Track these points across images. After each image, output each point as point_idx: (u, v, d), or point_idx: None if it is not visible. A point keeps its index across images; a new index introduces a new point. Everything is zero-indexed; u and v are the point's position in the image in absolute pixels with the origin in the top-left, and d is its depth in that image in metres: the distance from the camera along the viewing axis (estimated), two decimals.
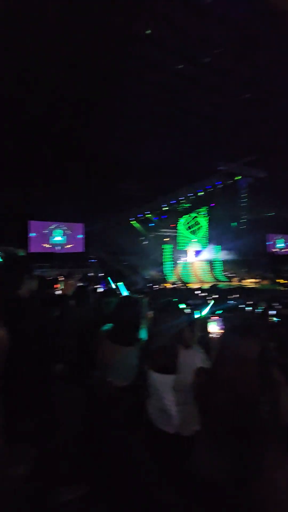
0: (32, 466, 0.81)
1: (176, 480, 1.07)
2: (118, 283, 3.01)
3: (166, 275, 18.82)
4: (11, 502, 0.64)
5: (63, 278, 7.50)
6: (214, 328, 1.42)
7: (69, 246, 19.02)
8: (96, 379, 1.75)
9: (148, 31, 9.78)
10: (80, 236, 19.39)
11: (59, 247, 18.67)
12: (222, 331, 1.34)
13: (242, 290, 12.25)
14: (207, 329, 1.39)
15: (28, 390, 1.17)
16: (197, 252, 20.84)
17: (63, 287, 2.13)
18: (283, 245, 24.91)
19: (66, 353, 1.91)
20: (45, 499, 0.99)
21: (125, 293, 2.82)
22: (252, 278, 18.43)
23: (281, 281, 16.64)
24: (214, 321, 1.42)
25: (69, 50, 10.12)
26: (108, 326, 1.88)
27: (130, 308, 1.82)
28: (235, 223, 21.40)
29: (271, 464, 0.83)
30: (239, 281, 18.06)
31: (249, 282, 17.49)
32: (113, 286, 3.82)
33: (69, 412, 1.41)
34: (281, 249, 24.66)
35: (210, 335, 1.40)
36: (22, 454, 0.81)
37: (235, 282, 17.64)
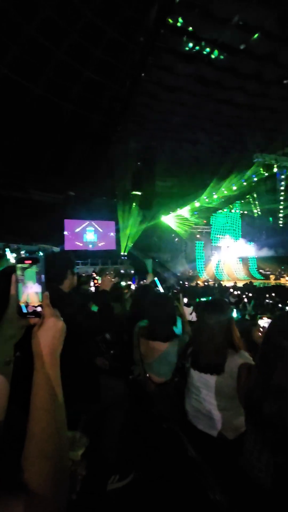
0: (85, 453, 0.85)
1: (221, 477, 1.05)
2: (155, 278, 3.00)
3: (198, 272, 18.50)
4: (71, 484, 0.68)
5: (95, 275, 7.72)
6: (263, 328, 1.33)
7: (101, 244, 19.49)
8: (135, 374, 1.77)
9: (181, 22, 9.59)
10: (112, 234, 19.75)
11: (91, 245, 19.22)
12: (266, 331, 1.26)
13: (280, 288, 11.61)
14: (255, 329, 1.32)
15: (73, 381, 1.22)
16: (230, 248, 20.16)
17: (100, 283, 2.19)
18: None
19: (106, 347, 1.97)
20: (96, 485, 1.03)
21: (160, 288, 2.81)
22: None
23: None
24: (264, 320, 1.34)
25: (101, 47, 10.31)
26: (144, 323, 1.89)
27: (164, 304, 1.80)
28: (272, 218, 20.26)
29: None
30: (277, 279, 17.12)
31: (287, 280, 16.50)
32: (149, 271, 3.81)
33: (113, 404, 1.44)
34: None
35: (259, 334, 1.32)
36: (74, 441, 0.85)
37: (272, 281, 16.76)
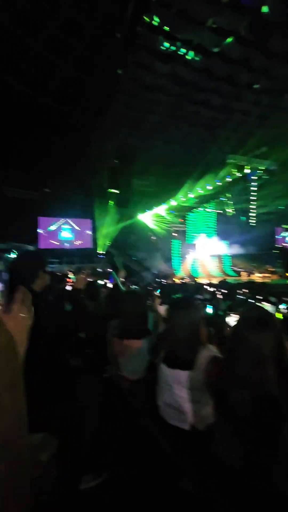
0: (55, 454, 0.84)
1: (195, 467, 1.09)
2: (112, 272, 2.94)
3: (174, 270, 18.79)
4: (37, 487, 0.67)
5: (72, 274, 7.59)
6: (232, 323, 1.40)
7: (78, 242, 19.14)
8: (109, 372, 1.77)
9: (157, 21, 9.63)
10: (89, 232, 19.46)
11: (68, 244, 18.81)
12: (235, 324, 1.31)
13: (251, 284, 12.13)
14: (225, 324, 1.39)
15: (46, 381, 1.20)
16: (205, 247, 20.70)
17: (75, 282, 2.17)
18: None
19: (80, 347, 1.95)
20: (67, 486, 1.02)
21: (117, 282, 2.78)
22: (261, 273, 18.20)
23: None
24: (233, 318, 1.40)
25: (80, 42, 10.07)
26: (116, 321, 1.88)
27: (134, 302, 1.81)
28: (244, 217, 21.08)
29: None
30: (248, 275, 17.86)
31: (258, 277, 17.29)
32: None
33: (88, 402, 1.43)
34: None
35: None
36: (44, 442, 0.84)
37: (244, 277, 17.46)
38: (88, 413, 1.44)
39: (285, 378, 0.92)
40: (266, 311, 1.12)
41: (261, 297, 6.95)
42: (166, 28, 10.06)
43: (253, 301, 6.94)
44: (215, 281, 13.31)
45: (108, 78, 11.73)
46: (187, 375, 1.35)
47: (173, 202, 19.34)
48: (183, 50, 11.07)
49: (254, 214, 20.19)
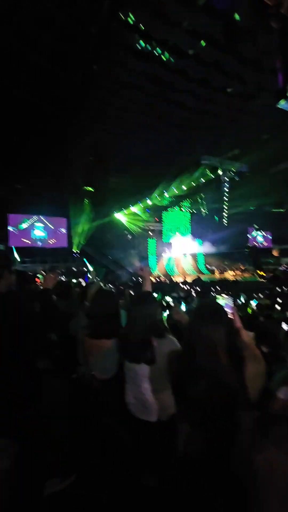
0: (15, 460, 0.80)
1: (160, 461, 1.10)
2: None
3: (150, 269, 18.93)
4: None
5: (44, 273, 7.37)
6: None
7: (51, 241, 18.56)
8: (80, 373, 1.74)
9: (133, 20, 9.57)
10: (63, 230, 18.97)
11: (41, 242, 18.19)
12: (190, 317, 1.35)
13: (224, 282, 12.58)
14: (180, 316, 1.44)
15: (12, 385, 1.16)
16: (181, 245, 21.09)
17: (43, 281, 2.10)
18: (262, 239, 25.72)
19: (50, 348, 1.89)
20: (32, 492, 0.98)
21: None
22: (233, 271, 18.89)
23: (261, 273, 17.19)
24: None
25: (53, 37, 9.72)
26: (84, 321, 1.86)
27: (104, 301, 1.80)
28: (217, 217, 21.74)
29: (247, 441, 0.87)
30: (221, 273, 18.46)
31: (230, 275, 17.93)
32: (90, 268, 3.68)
33: (55, 405, 1.40)
34: (260, 243, 25.42)
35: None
36: (4, 449, 0.80)
37: (217, 275, 18.01)
38: (55, 415, 1.40)
39: (238, 368, 0.96)
40: (217, 304, 1.16)
41: (233, 294, 7.22)
42: (142, 27, 10.03)
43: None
44: (189, 279, 13.60)
45: (83, 73, 11.48)
46: (149, 367, 1.38)
47: (148, 201, 19.45)
48: (158, 50, 11.11)
49: (227, 214, 20.89)
